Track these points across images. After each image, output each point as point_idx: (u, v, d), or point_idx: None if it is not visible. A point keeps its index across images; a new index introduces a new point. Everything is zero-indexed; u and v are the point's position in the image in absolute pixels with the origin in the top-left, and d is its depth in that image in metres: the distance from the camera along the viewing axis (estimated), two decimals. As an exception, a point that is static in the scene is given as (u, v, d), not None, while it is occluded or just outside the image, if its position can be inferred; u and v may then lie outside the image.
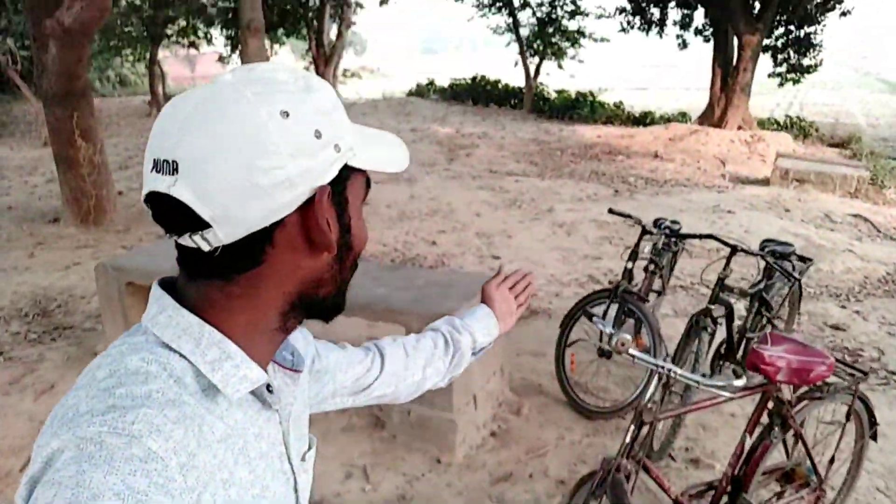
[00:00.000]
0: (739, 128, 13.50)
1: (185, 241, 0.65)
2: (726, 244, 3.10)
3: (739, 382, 1.76)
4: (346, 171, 0.69)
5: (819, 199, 8.57)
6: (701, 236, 3.26)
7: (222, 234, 0.63)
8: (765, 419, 2.21)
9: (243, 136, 0.61)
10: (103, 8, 5.65)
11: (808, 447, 2.24)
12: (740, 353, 3.49)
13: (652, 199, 8.57)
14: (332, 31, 23.47)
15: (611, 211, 3.64)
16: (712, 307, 3.09)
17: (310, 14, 22.75)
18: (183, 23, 21.37)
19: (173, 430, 0.59)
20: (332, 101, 0.69)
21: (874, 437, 2.48)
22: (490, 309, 1.24)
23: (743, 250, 3.04)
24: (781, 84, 16.19)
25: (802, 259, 3.70)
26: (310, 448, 0.85)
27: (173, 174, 0.62)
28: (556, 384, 3.65)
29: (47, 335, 4.38)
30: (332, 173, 0.67)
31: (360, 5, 24.74)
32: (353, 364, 1.03)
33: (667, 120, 15.49)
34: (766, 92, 24.18)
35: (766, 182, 9.54)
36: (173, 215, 0.64)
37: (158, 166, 0.63)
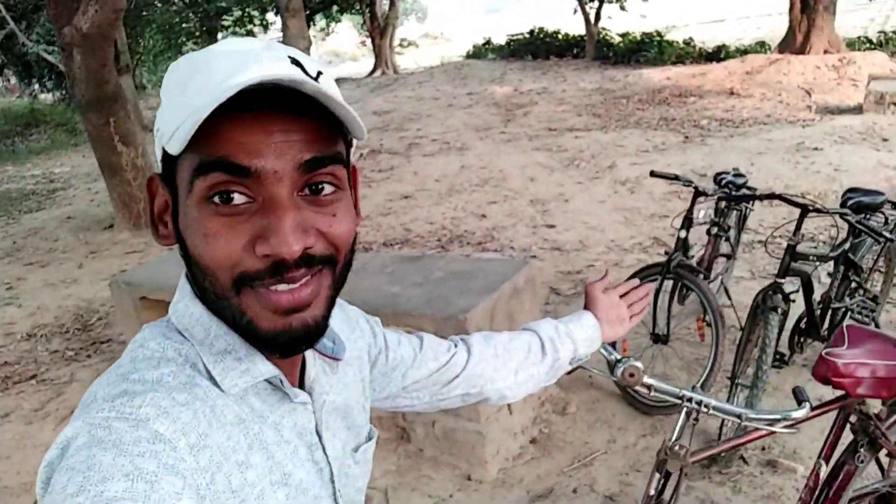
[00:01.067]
0: (825, 51, 12.15)
1: None
2: (796, 204, 2.54)
3: (800, 413, 1.30)
4: (176, 158, 0.61)
5: (923, 123, 7.56)
6: (763, 197, 2.68)
7: None
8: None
9: None
10: (117, 8, 5.47)
11: (911, 465, 1.74)
12: (825, 326, 2.95)
13: (726, 142, 7.78)
14: (385, 3, 23.05)
15: (653, 174, 3.08)
16: (782, 281, 2.55)
17: (360, -13, 22.40)
18: (238, 12, 21.48)
19: (182, 412, 0.58)
20: (173, 83, 0.63)
21: None
22: (595, 317, 1.12)
23: (816, 209, 2.48)
24: (872, -3, 14.55)
25: (899, 207, 3.08)
26: (369, 439, 0.82)
27: None
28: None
29: (84, 351, 4.29)
30: (159, 163, 0.66)
31: (409, -29, 24.14)
32: (428, 361, 0.96)
33: (743, 52, 14.19)
34: (855, 9, 21.99)
35: (858, 110, 8.51)
36: None
37: None
